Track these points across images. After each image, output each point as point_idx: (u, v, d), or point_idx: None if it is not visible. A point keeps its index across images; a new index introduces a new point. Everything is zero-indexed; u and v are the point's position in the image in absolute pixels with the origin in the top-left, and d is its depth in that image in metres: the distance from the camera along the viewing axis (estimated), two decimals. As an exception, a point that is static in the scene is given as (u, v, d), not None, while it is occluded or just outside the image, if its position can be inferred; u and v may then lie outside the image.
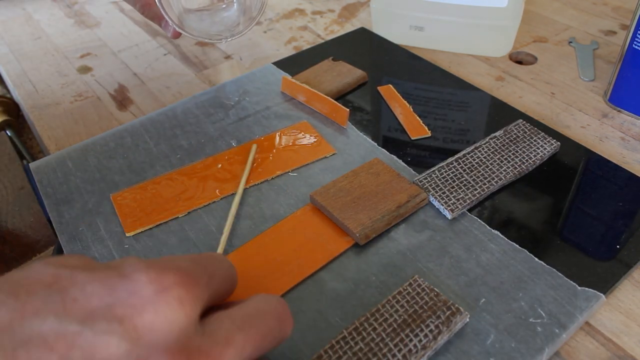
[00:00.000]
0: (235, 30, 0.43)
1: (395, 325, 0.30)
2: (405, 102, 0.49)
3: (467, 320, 0.31)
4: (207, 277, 0.22)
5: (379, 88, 0.51)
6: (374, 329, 0.30)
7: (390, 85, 0.51)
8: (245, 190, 0.41)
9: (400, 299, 0.32)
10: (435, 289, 0.32)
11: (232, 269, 0.26)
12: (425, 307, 0.31)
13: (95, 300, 0.19)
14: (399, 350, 0.29)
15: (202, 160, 0.43)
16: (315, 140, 0.45)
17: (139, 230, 0.37)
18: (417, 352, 0.29)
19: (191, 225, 0.38)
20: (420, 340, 0.30)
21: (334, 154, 0.43)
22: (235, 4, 0.45)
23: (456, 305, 0.31)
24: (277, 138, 0.45)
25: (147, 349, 0.19)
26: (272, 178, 0.42)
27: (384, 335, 0.30)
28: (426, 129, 0.46)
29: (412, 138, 0.45)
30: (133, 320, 0.19)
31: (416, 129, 0.46)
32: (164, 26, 0.43)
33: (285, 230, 0.37)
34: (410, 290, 0.32)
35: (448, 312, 0.31)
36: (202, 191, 0.40)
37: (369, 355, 0.29)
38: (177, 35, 0.43)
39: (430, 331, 0.30)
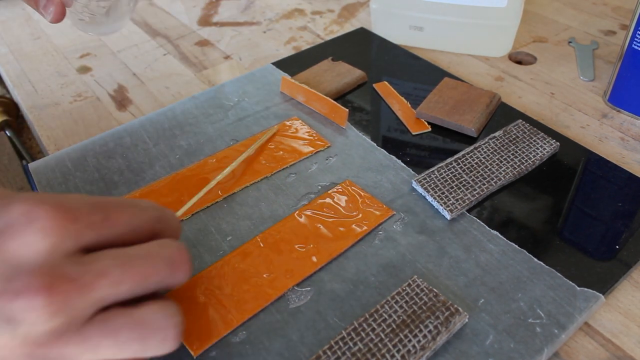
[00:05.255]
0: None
1: (394, 326, 0.30)
2: (403, 98, 0.49)
3: (466, 320, 0.31)
4: (98, 216, 0.24)
5: (374, 85, 0.51)
6: (373, 330, 0.30)
7: (386, 82, 0.51)
8: (244, 190, 0.41)
9: (399, 300, 0.32)
10: (434, 289, 0.32)
11: (164, 217, 0.28)
12: (424, 308, 0.31)
13: None
14: (398, 351, 0.29)
15: (201, 161, 0.43)
16: (309, 133, 0.45)
17: None
18: (415, 352, 0.29)
19: (190, 226, 0.38)
20: (419, 341, 0.30)
21: (329, 147, 0.44)
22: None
23: (455, 306, 0.31)
24: (268, 136, 0.45)
25: (13, 269, 0.21)
26: (272, 174, 0.42)
27: (382, 336, 0.30)
28: (426, 123, 0.46)
29: (413, 133, 0.45)
30: (3, 245, 0.22)
31: (416, 124, 0.46)
32: (45, 5, 0.37)
33: (284, 230, 0.37)
34: (409, 291, 0.32)
35: (447, 313, 0.31)
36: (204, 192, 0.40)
37: (367, 356, 0.29)
38: (60, 17, 0.37)
39: (429, 332, 0.30)
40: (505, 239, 0.36)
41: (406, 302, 0.32)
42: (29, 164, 0.44)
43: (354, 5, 0.70)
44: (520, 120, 0.45)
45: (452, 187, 0.39)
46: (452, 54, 0.58)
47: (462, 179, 0.40)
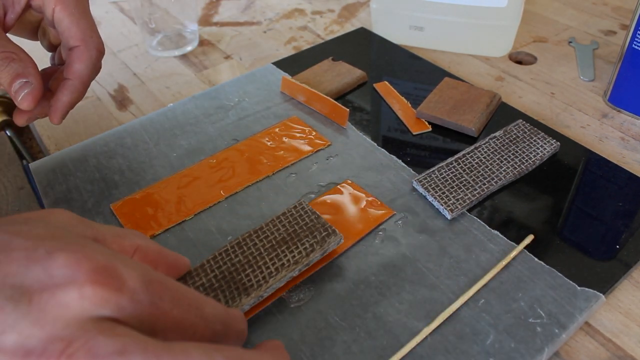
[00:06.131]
0: None
1: (274, 242, 0.34)
2: (403, 98, 0.49)
3: (341, 241, 0.34)
4: (149, 298, 0.21)
5: (375, 85, 0.51)
6: (255, 245, 0.33)
7: (386, 82, 0.51)
8: (245, 190, 0.41)
9: (283, 220, 0.35)
10: (317, 212, 0.35)
11: (218, 313, 0.24)
12: (305, 228, 0.34)
13: (13, 271, 0.20)
14: (273, 264, 0.32)
15: (202, 161, 0.43)
16: (309, 133, 0.45)
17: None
18: (289, 266, 0.32)
19: (191, 226, 0.38)
20: (294, 256, 0.33)
21: (329, 146, 0.44)
22: None
23: (333, 228, 0.34)
24: (269, 136, 0.45)
25: (42, 327, 0.19)
26: (273, 174, 0.42)
27: (262, 250, 0.33)
28: (426, 123, 0.46)
29: (414, 133, 0.45)
30: (40, 298, 0.20)
31: (417, 124, 0.46)
32: (18, 89, 0.34)
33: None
34: (294, 212, 0.35)
35: (324, 233, 0.34)
36: (205, 192, 0.40)
37: (245, 267, 0.32)
38: (34, 105, 0.35)
39: (305, 249, 0.33)
40: (505, 239, 0.36)
41: (289, 222, 0.35)
42: (29, 164, 0.44)
43: (354, 5, 0.70)
44: (521, 120, 0.45)
45: (452, 187, 0.39)
46: (452, 54, 0.58)
47: (462, 179, 0.40)
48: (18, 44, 0.35)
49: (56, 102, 0.36)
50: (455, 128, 0.45)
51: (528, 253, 0.35)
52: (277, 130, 0.46)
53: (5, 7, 0.36)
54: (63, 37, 0.37)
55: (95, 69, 0.37)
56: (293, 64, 0.55)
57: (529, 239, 0.36)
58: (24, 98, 0.34)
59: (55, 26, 0.37)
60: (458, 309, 0.32)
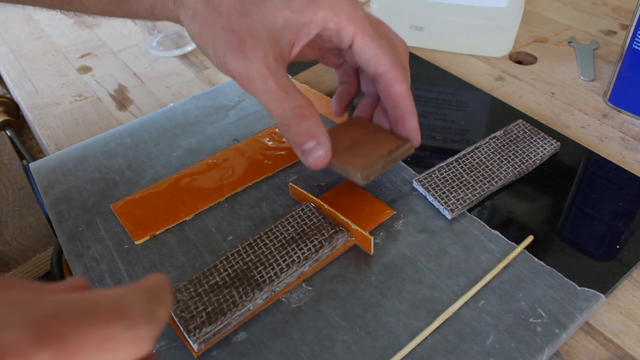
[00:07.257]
0: None
1: (284, 241, 0.35)
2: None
3: (349, 238, 0.36)
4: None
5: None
6: (265, 244, 0.35)
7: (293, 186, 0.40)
8: (245, 189, 0.41)
9: (291, 221, 0.36)
10: (323, 213, 0.37)
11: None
12: (313, 227, 0.36)
13: None
14: (284, 261, 0.34)
15: (202, 161, 0.43)
16: None
17: (147, 238, 0.37)
18: (299, 262, 0.34)
19: (191, 226, 0.38)
20: (303, 253, 0.34)
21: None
22: None
23: (340, 227, 0.35)
24: (269, 136, 0.45)
25: None
26: (273, 174, 0.42)
27: (273, 249, 0.35)
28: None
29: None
30: None
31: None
32: (311, 149, 0.33)
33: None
34: (302, 214, 0.37)
35: (332, 231, 0.35)
36: (205, 192, 0.40)
37: (257, 265, 0.34)
38: (322, 166, 0.34)
39: (314, 246, 0.35)
40: (506, 239, 0.36)
41: (297, 222, 0.36)
42: (29, 164, 0.44)
43: (354, 5, 0.70)
44: (521, 120, 0.45)
45: (452, 187, 0.39)
46: (452, 54, 0.58)
47: (462, 179, 0.40)
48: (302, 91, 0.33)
49: (411, 128, 0.36)
50: (342, 172, 0.36)
51: (528, 253, 0.35)
52: (277, 130, 0.46)
53: (293, 40, 0.33)
54: (369, 64, 0.35)
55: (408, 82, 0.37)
56: (293, 64, 0.54)
57: (529, 239, 0.36)
58: (316, 160, 0.33)
59: (356, 54, 0.35)
60: (458, 309, 0.32)
